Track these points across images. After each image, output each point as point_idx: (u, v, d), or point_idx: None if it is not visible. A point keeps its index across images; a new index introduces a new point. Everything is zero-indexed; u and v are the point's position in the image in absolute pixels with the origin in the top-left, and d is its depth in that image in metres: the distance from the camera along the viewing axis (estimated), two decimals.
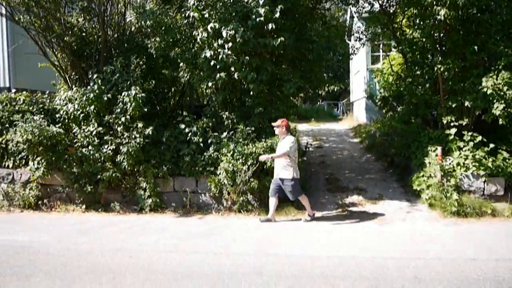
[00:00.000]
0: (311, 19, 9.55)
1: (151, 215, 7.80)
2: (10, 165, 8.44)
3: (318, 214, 7.58)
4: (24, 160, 8.36)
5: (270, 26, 7.50)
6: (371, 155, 12.20)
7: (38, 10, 8.51)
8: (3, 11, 9.28)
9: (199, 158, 7.97)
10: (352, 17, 17.62)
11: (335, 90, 31.18)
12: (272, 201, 7.24)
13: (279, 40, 7.57)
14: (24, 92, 8.88)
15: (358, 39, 12.94)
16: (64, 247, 5.83)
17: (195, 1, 7.65)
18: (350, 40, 15.55)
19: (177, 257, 5.38)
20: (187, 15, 7.90)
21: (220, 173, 7.69)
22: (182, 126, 8.13)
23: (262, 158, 7.22)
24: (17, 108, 8.51)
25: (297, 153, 7.21)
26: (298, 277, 4.66)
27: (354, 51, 13.59)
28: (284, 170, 7.03)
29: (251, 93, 8.03)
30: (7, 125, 8.40)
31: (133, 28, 9.57)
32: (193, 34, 8.16)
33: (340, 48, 17.70)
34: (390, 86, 11.98)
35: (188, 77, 8.45)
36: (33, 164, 8.06)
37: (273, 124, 7.35)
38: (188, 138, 8.06)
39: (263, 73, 7.88)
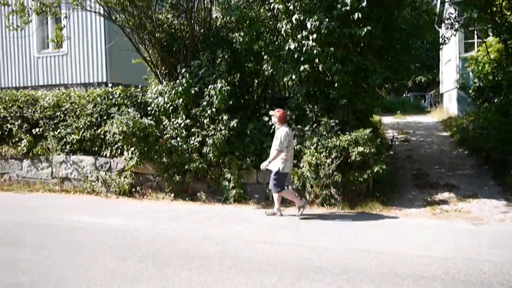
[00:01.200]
0: (399, 6, 9.10)
1: (235, 206, 7.99)
2: (108, 154, 9.11)
3: (399, 212, 7.29)
4: (119, 150, 8.97)
5: (356, 15, 7.27)
6: (463, 150, 11.42)
7: (132, 9, 9.02)
8: (101, 11, 9.99)
9: None
10: (443, 2, 16.53)
11: (422, 81, 29.58)
12: (275, 196, 7.14)
13: (365, 29, 7.31)
14: (120, 87, 9.48)
15: (449, 26, 12.11)
16: (156, 233, 6.16)
17: None
18: (440, 27, 14.63)
19: (261, 247, 5.45)
20: (271, 7, 7.92)
21: (303, 166, 7.66)
22: (266, 118, 8.20)
23: (263, 166, 7.07)
24: (113, 101, 9.13)
25: (291, 145, 7.04)
26: (385, 275, 4.50)
27: (445, 40, 12.79)
28: (275, 161, 6.89)
29: (336, 85, 7.87)
30: (105, 117, 9.09)
31: (218, 23, 9.80)
32: (277, 26, 8.16)
33: (429, 36, 16.71)
34: (486, 75, 11.12)
35: (271, 69, 8.47)
36: (128, 154, 8.63)
37: (270, 112, 7.25)
38: (271, 130, 8.11)
39: (348, 64, 7.68)
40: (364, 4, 7.27)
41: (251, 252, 5.27)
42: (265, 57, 8.48)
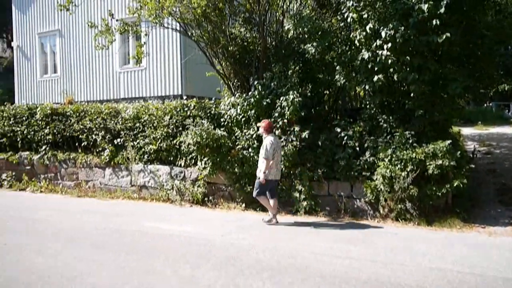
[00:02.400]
0: (480, 10, 8.60)
1: (305, 217, 7.92)
2: (182, 164, 9.46)
3: (482, 230, 6.82)
4: (193, 160, 9.28)
5: (434, 22, 6.98)
6: None
7: (207, 24, 9.36)
8: (178, 28, 10.46)
9: (355, 162, 7.83)
10: None
11: (506, 89, 27.60)
12: (271, 201, 7.38)
13: (444, 36, 6.98)
14: (194, 99, 9.83)
15: None
16: (227, 242, 6.27)
17: (354, 2, 7.54)
18: None
19: (333, 261, 5.34)
20: (345, 16, 7.83)
21: (376, 179, 7.44)
22: (338, 129, 8.09)
23: (262, 179, 7.20)
24: (188, 113, 9.48)
25: (277, 154, 7.32)
26: None
27: None
28: (261, 168, 7.22)
29: (412, 95, 7.58)
30: (180, 129, 9.46)
31: (289, 35, 9.86)
32: (350, 36, 8.05)
33: None
34: None
35: (343, 80, 8.36)
36: (201, 164, 8.90)
37: (258, 124, 7.66)
38: (343, 142, 7.98)
39: (425, 73, 7.37)
40: (442, 10, 6.96)
41: (322, 265, 5.18)
42: (337, 67, 8.39)
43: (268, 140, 7.27)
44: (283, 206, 8.41)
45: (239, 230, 7.02)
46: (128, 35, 11.46)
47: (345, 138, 7.97)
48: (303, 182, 8.09)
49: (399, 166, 7.26)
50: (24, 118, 12.06)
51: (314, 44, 8.17)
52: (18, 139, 12.11)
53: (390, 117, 7.94)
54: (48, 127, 11.49)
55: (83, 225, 7.47)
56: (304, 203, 8.03)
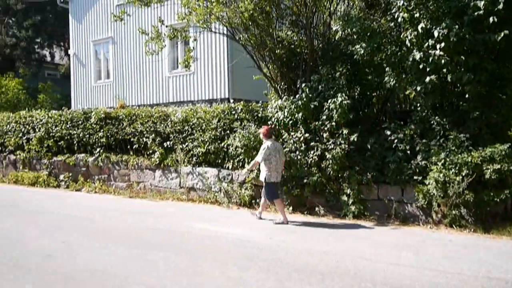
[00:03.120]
0: None
1: (354, 222, 7.78)
2: (230, 167, 9.56)
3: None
4: (241, 163, 9.34)
5: (490, 19, 6.66)
6: None
7: (254, 28, 9.42)
8: (225, 32, 10.61)
9: (406, 166, 7.61)
10: None
11: None
12: (276, 203, 7.77)
13: (501, 34, 6.65)
14: (241, 102, 9.92)
15: None
16: (275, 244, 6.26)
17: (404, 2, 7.34)
18: None
19: (383, 267, 5.21)
20: (395, 16, 7.64)
21: (429, 183, 7.18)
22: (388, 132, 7.89)
23: (243, 172, 7.99)
24: (236, 116, 9.57)
25: (277, 157, 7.60)
26: None
27: None
28: (262, 172, 7.71)
29: (466, 96, 7.28)
30: (228, 132, 9.57)
31: (337, 37, 9.73)
32: (400, 36, 7.84)
33: None
34: None
35: (393, 82, 8.14)
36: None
37: (259, 130, 8.15)
38: (393, 145, 7.78)
39: (481, 73, 7.05)
40: (500, 6, 6.63)
41: (372, 272, 5.06)
42: (386, 69, 8.19)
43: (264, 145, 7.72)
44: (331, 210, 8.31)
45: (286, 233, 7.00)
46: (177, 40, 11.74)
47: (396, 141, 7.77)
48: (351, 185, 7.96)
49: (453, 170, 6.98)
50: (80, 122, 12.64)
51: (363, 45, 8.02)
52: (75, 142, 12.70)
53: (443, 120, 7.65)
54: (102, 130, 11.98)
55: (135, 225, 7.71)
56: (353, 207, 7.89)
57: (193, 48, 10.84)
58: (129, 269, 5.24)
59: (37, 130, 13.77)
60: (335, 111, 8.01)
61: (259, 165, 7.85)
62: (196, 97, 15.20)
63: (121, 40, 17.49)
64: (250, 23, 9.26)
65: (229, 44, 14.06)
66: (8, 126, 14.97)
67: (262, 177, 7.72)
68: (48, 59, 28.08)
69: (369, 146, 8.03)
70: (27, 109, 16.38)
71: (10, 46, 24.99)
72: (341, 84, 8.28)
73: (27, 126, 14.20)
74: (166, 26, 10.58)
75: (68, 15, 19.65)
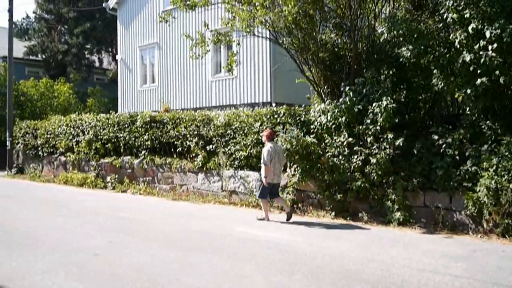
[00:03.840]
0: None
1: (399, 229, 7.56)
2: None
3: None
4: (283, 167, 9.29)
5: None
6: None
7: (297, 31, 9.38)
8: (268, 36, 10.63)
9: (454, 172, 7.32)
10: None
11: None
12: (263, 202, 8.36)
13: None
14: (284, 106, 9.88)
15: None
16: (318, 250, 6.18)
17: (453, 2, 7.08)
18: None
19: (431, 277, 5.01)
20: (444, 17, 7.39)
21: (479, 190, 6.87)
22: (435, 137, 7.62)
23: (264, 182, 8.10)
24: (278, 120, 9.55)
25: (275, 160, 8.12)
26: None
27: None
28: (261, 172, 8.21)
29: None
30: None
31: (382, 39, 9.54)
32: (449, 38, 7.57)
33: None
34: None
35: (441, 84, 7.87)
36: (290, 171, 8.92)
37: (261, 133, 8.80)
38: (441, 150, 7.50)
39: None
40: None
41: (420, 281, 4.88)
42: (434, 71, 7.93)
43: (266, 147, 8.21)
44: (375, 216, 8.12)
45: (329, 239, 6.89)
46: (220, 45, 11.89)
47: (444, 146, 7.49)
48: (396, 191, 7.74)
49: (506, 177, 6.65)
50: (126, 125, 13.04)
51: (410, 47, 7.81)
52: (121, 145, 13.12)
53: (495, 124, 7.30)
54: (147, 133, 12.30)
55: (178, 227, 7.84)
56: (398, 214, 7.67)
57: (236, 52, 10.93)
58: (172, 270, 5.33)
59: (86, 133, 14.33)
60: (380, 114, 7.83)
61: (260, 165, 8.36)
62: (238, 101, 15.31)
63: (166, 46, 17.91)
64: (294, 27, 9.23)
65: (272, 48, 14.08)
66: (59, 129, 15.69)
67: (262, 176, 8.20)
68: (97, 64, 29.14)
69: (415, 151, 7.78)
70: (77, 112, 17.10)
71: (62, 52, 26.14)
72: (386, 87, 8.09)
73: (77, 129, 14.82)
74: (211, 31, 10.74)
75: (116, 22, 20.35)
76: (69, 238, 7.00)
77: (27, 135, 17.68)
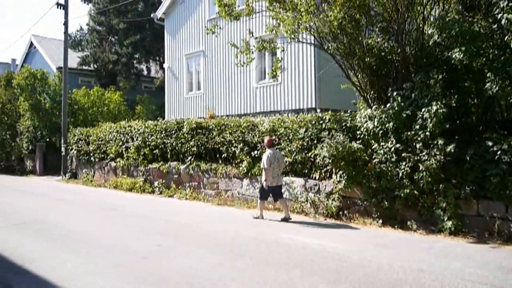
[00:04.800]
0: None
1: (450, 238, 7.28)
2: (317, 177, 9.46)
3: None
4: (328, 173, 9.22)
5: None
6: None
7: (343, 36, 9.29)
8: (313, 42, 10.59)
9: (511, 180, 6.96)
10: None
11: None
12: (280, 201, 9.26)
13: None
14: (329, 112, 9.79)
15: None
16: (365, 259, 6.05)
17: (509, 2, 6.78)
18: None
19: None
20: (498, 18, 7.09)
21: None
22: (489, 143, 7.29)
23: (265, 185, 8.94)
24: (323, 126, 9.46)
25: (275, 164, 8.89)
26: None
27: None
28: (262, 175, 9.02)
29: None
30: (315, 141, 9.50)
31: (431, 42, 9.26)
32: (504, 39, 7.24)
33: None
34: None
35: (496, 88, 7.52)
36: (336, 177, 8.80)
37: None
38: (496, 157, 7.16)
39: None
40: None
41: None
42: (488, 74, 7.60)
43: (266, 153, 9.06)
44: (424, 225, 7.85)
45: (376, 247, 6.73)
46: (264, 52, 11.96)
47: (499, 152, 7.14)
48: (447, 199, 7.46)
49: None
50: (173, 131, 13.36)
51: (461, 49, 7.53)
52: (168, 151, 13.45)
53: None
54: (193, 139, 12.54)
55: (224, 232, 7.92)
56: (449, 223, 7.38)
57: (281, 58, 10.96)
58: (218, 275, 5.38)
59: (135, 139, 14.81)
60: (429, 120, 7.59)
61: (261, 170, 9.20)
62: (282, 107, 15.32)
63: (211, 53, 18.24)
64: (339, 32, 9.15)
65: (316, 53, 14.02)
66: (110, 135, 16.31)
67: (262, 179, 8.99)
68: (145, 73, 30.08)
69: (467, 158, 7.47)
70: (126, 120, 17.71)
71: (112, 62, 27.20)
72: (436, 91, 7.83)
73: (126, 136, 15.34)
74: (255, 38, 10.83)
75: (164, 31, 20.95)
76: (119, 241, 7.24)
77: (80, 142, 18.50)
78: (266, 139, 9.35)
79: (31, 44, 32.32)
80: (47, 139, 22.29)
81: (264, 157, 8.96)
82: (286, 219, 8.84)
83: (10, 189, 15.65)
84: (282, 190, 10.06)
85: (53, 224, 8.69)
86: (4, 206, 11.20)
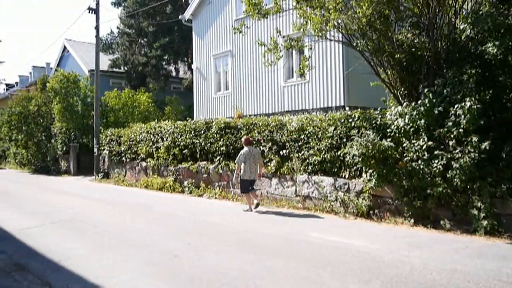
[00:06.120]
0: None
1: (486, 238, 7.07)
2: (346, 176, 9.36)
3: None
4: (358, 172, 9.11)
5: None
6: None
7: (372, 33, 9.15)
8: (340, 38, 10.48)
9: None
10: None
11: None
12: (245, 196, 10.41)
13: None
14: (358, 110, 9.66)
15: None
16: (396, 259, 5.95)
17: None
18: None
19: None
20: None
21: None
22: None
23: (234, 178, 10.90)
24: (353, 124, 9.34)
25: (250, 161, 10.08)
26: None
27: None
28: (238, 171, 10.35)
29: None
30: (344, 140, 9.40)
31: (463, 36, 9.02)
32: None
33: None
34: None
35: None
36: (366, 176, 8.68)
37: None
38: None
39: None
40: None
41: None
42: None
43: (242, 151, 10.25)
44: (458, 224, 7.66)
45: (409, 247, 6.60)
46: (292, 50, 11.93)
47: None
48: (482, 198, 7.24)
49: None
50: (202, 131, 13.48)
51: (496, 43, 7.30)
52: (197, 150, 13.59)
53: None
54: (221, 139, 12.62)
55: (253, 231, 7.94)
56: (484, 222, 7.16)
57: (309, 56, 10.89)
58: (249, 273, 5.40)
59: (164, 139, 15.03)
60: (463, 116, 7.39)
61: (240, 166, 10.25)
62: (311, 106, 15.24)
63: (238, 53, 18.32)
64: (368, 28, 9.02)
65: (344, 51, 13.89)
66: (140, 136, 16.61)
67: (240, 173, 10.18)
68: (174, 74, 30.48)
69: (503, 155, 7.25)
70: (156, 120, 18.01)
71: (142, 64, 27.69)
72: (470, 87, 7.62)
73: (156, 136, 15.59)
74: (283, 37, 10.81)
75: (192, 33, 21.18)
76: (151, 239, 7.37)
77: (111, 142, 18.93)
78: (244, 138, 10.63)
79: (64, 48, 33.28)
80: (80, 140, 22.92)
81: (240, 154, 10.25)
82: (256, 206, 10.09)
83: (46, 189, 16.17)
84: (312, 189, 10.06)
85: (87, 223, 8.93)
86: (41, 205, 11.58)
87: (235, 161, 10.52)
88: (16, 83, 53.95)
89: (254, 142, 11.16)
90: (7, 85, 61.09)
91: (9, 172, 27.46)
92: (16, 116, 24.33)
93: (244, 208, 10.32)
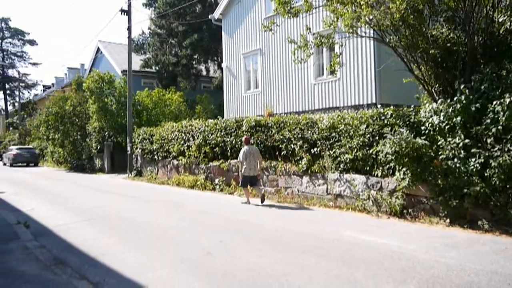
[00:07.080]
0: None
1: None
2: (379, 174, 9.20)
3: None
4: (391, 170, 8.94)
5: None
6: None
7: (405, 29, 8.96)
8: (371, 35, 10.30)
9: None
10: None
11: None
12: (244, 190, 11.29)
13: None
14: (391, 107, 9.48)
15: None
16: (432, 259, 5.81)
17: None
18: None
19: None
20: None
21: None
22: None
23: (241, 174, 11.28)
24: (385, 122, 9.17)
25: (250, 158, 10.93)
26: None
27: None
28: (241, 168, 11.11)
29: None
30: (377, 138, 9.25)
31: (502, 30, 8.71)
32: None
33: None
34: None
35: None
36: (399, 174, 8.51)
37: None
38: None
39: None
40: None
41: None
42: None
43: (243, 149, 11.13)
44: (497, 225, 7.41)
45: (445, 247, 6.44)
46: (322, 47, 11.80)
47: None
48: None
49: None
50: (232, 130, 13.56)
51: None
52: (228, 148, 13.68)
53: None
54: (252, 137, 12.64)
55: (285, 229, 7.93)
56: None
57: (339, 53, 10.77)
58: (281, 271, 5.40)
59: (196, 138, 15.21)
60: (502, 113, 7.14)
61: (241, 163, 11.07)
62: (341, 103, 15.07)
63: (268, 51, 18.31)
64: (401, 24, 8.83)
65: (376, 47, 13.67)
66: (172, 134, 16.86)
67: (242, 170, 10.99)
68: (204, 73, 30.77)
69: None
70: (187, 119, 18.23)
71: (172, 64, 28.09)
72: (509, 82, 7.35)
73: (188, 134, 15.79)
74: (313, 34, 10.73)
75: (221, 32, 21.31)
76: (183, 236, 7.47)
77: (144, 141, 19.29)
78: (244, 137, 11.47)
79: (98, 49, 34.15)
80: (114, 139, 23.47)
81: (241, 152, 11.12)
82: (262, 199, 10.83)
83: (82, 186, 16.63)
84: (343, 188, 9.95)
85: (122, 219, 9.14)
86: (78, 202, 11.92)
87: (237, 159, 11.38)
88: (53, 84, 55.87)
89: (252, 142, 12.01)
90: (44, 86, 63.31)
91: (47, 170, 28.43)
92: (53, 116, 25.15)
93: (242, 201, 11.23)
